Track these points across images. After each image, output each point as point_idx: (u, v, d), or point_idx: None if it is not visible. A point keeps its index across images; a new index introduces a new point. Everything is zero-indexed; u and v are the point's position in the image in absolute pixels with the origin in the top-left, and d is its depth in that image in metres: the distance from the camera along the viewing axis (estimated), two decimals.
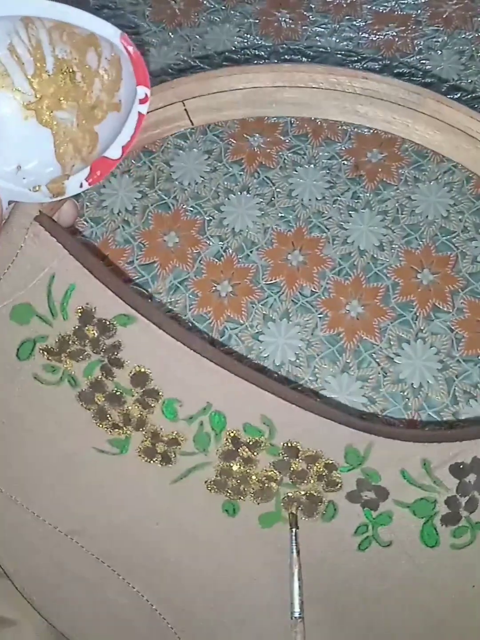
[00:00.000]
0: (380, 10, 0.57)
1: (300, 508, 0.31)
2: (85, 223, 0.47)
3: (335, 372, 0.43)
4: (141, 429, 0.31)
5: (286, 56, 0.55)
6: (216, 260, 0.46)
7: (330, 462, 0.31)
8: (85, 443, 0.32)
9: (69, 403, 0.31)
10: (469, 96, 0.52)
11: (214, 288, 0.45)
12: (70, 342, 0.31)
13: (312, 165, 0.50)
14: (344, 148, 0.50)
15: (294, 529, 0.31)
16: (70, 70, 0.34)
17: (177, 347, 0.30)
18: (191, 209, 0.48)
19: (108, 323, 0.31)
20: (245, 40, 0.56)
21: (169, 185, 0.49)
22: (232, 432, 0.31)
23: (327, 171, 0.49)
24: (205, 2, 0.58)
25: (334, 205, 0.48)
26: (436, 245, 0.46)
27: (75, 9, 0.32)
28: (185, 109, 0.36)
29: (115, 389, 0.31)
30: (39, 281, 0.31)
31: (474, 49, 0.55)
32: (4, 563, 0.33)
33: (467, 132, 0.35)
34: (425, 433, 0.35)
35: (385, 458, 0.31)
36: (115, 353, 0.31)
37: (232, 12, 0.57)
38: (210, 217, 0.48)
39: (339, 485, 0.31)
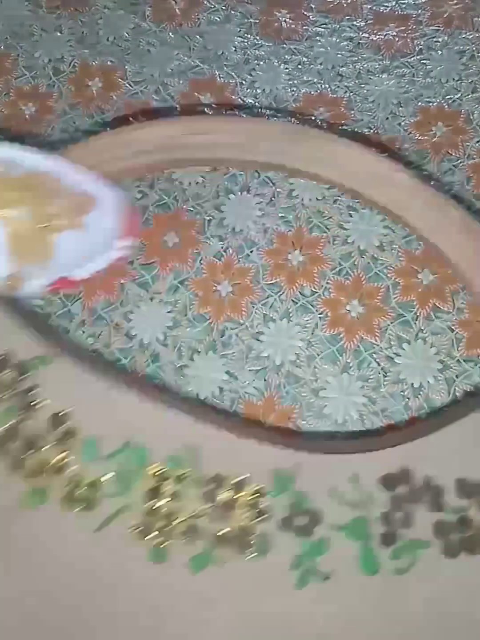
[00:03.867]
0: (381, 11, 0.57)
1: (232, 545, 0.29)
2: None
3: (335, 372, 0.43)
4: (60, 474, 0.30)
5: (287, 56, 0.55)
6: (216, 260, 0.46)
7: (259, 487, 0.30)
8: (2, 498, 0.29)
9: None
10: (469, 96, 0.52)
11: (214, 288, 0.45)
12: None
13: None
14: None
15: None
16: (34, 181, 0.35)
17: (93, 382, 0.30)
18: (191, 209, 0.48)
19: (23, 365, 0.30)
20: (246, 40, 0.56)
21: (169, 185, 0.49)
22: (155, 467, 0.30)
23: None
24: (205, 2, 0.58)
25: (334, 205, 0.48)
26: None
27: (85, 176, 0.36)
28: None
29: (32, 433, 0.30)
30: None
31: (474, 49, 0.55)
32: None
33: (351, 160, 0.41)
34: (350, 443, 0.33)
35: (314, 476, 0.29)
36: (30, 396, 0.30)
37: (233, 12, 0.57)
38: (211, 217, 0.47)
39: (270, 512, 0.29)
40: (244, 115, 0.51)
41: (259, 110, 0.52)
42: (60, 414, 0.30)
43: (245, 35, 0.56)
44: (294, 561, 0.29)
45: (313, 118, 0.52)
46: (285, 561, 0.29)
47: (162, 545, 0.29)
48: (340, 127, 0.51)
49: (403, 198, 0.39)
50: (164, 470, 0.30)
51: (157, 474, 0.30)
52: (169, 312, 0.45)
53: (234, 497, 0.29)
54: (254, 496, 0.29)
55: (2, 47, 0.56)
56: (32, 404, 0.30)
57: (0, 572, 0.29)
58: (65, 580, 0.29)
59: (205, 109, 0.51)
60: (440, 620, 0.27)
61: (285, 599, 0.28)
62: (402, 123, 0.51)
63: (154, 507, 0.29)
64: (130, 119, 0.51)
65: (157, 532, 0.29)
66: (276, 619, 0.28)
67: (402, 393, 0.42)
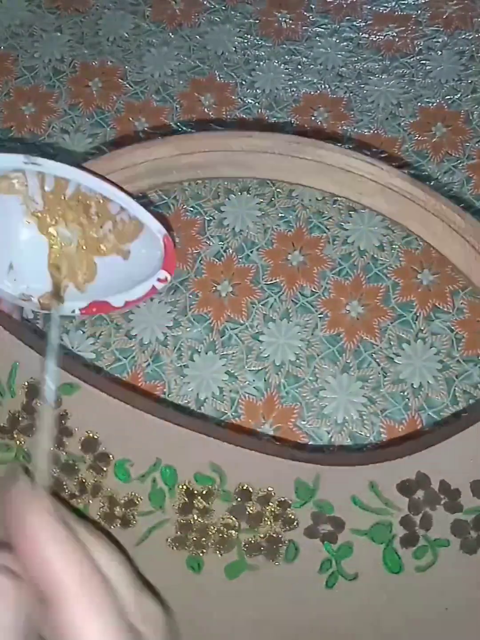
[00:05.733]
0: (381, 11, 0.57)
1: (263, 552, 0.30)
2: None
3: (335, 372, 0.43)
4: (97, 495, 0.31)
5: (286, 56, 0.55)
6: (216, 260, 0.46)
7: (283, 499, 0.31)
8: None
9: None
10: (469, 97, 0.52)
11: (214, 288, 0.45)
12: (20, 418, 0.32)
13: None
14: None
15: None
16: (87, 202, 0.35)
17: (121, 408, 0.31)
18: (191, 209, 0.48)
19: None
20: (246, 41, 0.56)
21: (170, 185, 0.49)
22: (184, 485, 0.31)
23: None
24: (205, 2, 0.58)
25: (334, 206, 0.48)
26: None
27: (132, 200, 0.34)
28: None
29: (68, 458, 0.32)
30: None
31: (474, 49, 0.55)
32: None
33: (345, 169, 0.39)
34: (366, 454, 0.34)
35: (334, 486, 0.31)
36: (63, 422, 0.32)
37: (233, 12, 0.57)
38: (211, 217, 0.48)
39: (295, 522, 0.31)
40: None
41: (259, 110, 0.52)
42: (92, 439, 0.32)
43: (245, 35, 0.56)
44: (322, 565, 0.30)
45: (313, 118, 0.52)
46: (313, 565, 0.30)
47: (197, 556, 0.31)
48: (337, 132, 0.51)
49: (403, 205, 0.38)
50: (193, 487, 0.31)
51: (186, 491, 0.31)
52: (169, 312, 0.45)
53: (261, 509, 0.31)
54: (279, 508, 0.31)
55: (2, 48, 0.56)
56: (65, 430, 0.32)
57: None
58: None
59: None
60: (460, 611, 0.29)
61: (316, 600, 0.30)
62: (402, 123, 0.51)
63: (187, 522, 0.31)
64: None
65: (192, 544, 0.31)
66: (308, 618, 0.30)
67: (402, 393, 0.42)
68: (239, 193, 0.48)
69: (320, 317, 0.44)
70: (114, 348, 0.43)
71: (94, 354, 0.43)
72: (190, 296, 0.45)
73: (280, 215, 0.47)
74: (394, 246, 0.46)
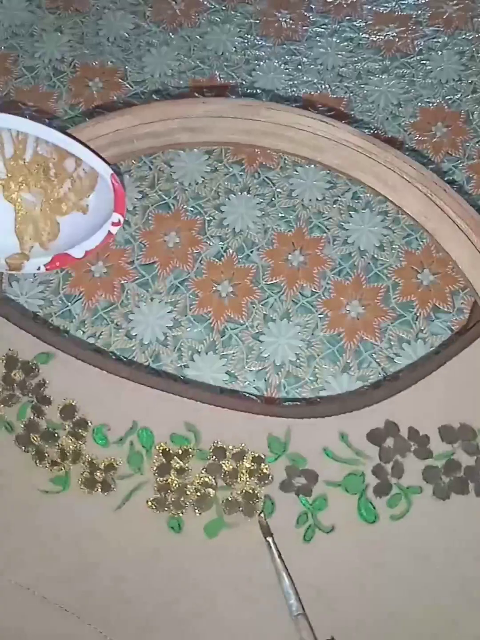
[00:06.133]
0: (381, 11, 0.57)
1: (240, 509, 0.31)
2: None
3: (335, 372, 0.43)
4: (78, 461, 0.32)
5: (287, 56, 0.55)
6: (216, 260, 0.46)
7: (257, 455, 0.32)
8: (30, 487, 0.32)
9: (9, 449, 0.33)
10: (469, 97, 0.52)
11: (214, 288, 0.45)
12: (0, 389, 0.33)
13: (312, 166, 0.50)
14: None
15: (268, 538, 0.31)
16: (45, 165, 0.38)
17: (95, 373, 0.33)
18: (191, 209, 0.48)
19: (30, 364, 0.33)
20: (246, 41, 0.56)
21: (170, 185, 0.49)
22: (161, 446, 0.32)
23: (328, 171, 0.49)
24: (205, 2, 0.58)
25: (334, 206, 0.48)
26: (437, 246, 0.46)
27: (78, 144, 0.36)
28: None
29: (48, 426, 0.33)
30: None
31: (474, 49, 0.55)
32: None
33: (298, 127, 0.39)
34: (334, 405, 0.35)
35: (306, 439, 0.32)
36: (42, 391, 0.33)
37: (233, 12, 0.57)
38: (211, 217, 0.48)
39: (270, 476, 0.32)
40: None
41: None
42: (69, 405, 0.33)
43: (245, 35, 0.56)
44: (298, 518, 0.31)
45: None
46: (290, 519, 0.31)
47: (177, 516, 0.31)
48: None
49: (356, 159, 0.38)
50: (169, 448, 0.32)
51: (163, 452, 0.32)
52: (169, 312, 0.45)
53: (236, 466, 0.32)
54: (254, 464, 0.32)
55: (2, 48, 0.56)
56: (44, 398, 0.33)
57: (34, 553, 0.32)
58: (94, 556, 0.31)
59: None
60: (437, 558, 0.29)
61: (296, 554, 0.30)
62: (402, 123, 0.51)
63: (166, 482, 0.32)
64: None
65: (171, 505, 0.32)
66: (290, 571, 0.30)
67: None
68: (239, 193, 0.48)
69: (320, 317, 0.44)
70: (114, 348, 0.43)
71: None
72: (191, 296, 0.45)
73: (280, 215, 0.47)
74: (394, 246, 0.46)
